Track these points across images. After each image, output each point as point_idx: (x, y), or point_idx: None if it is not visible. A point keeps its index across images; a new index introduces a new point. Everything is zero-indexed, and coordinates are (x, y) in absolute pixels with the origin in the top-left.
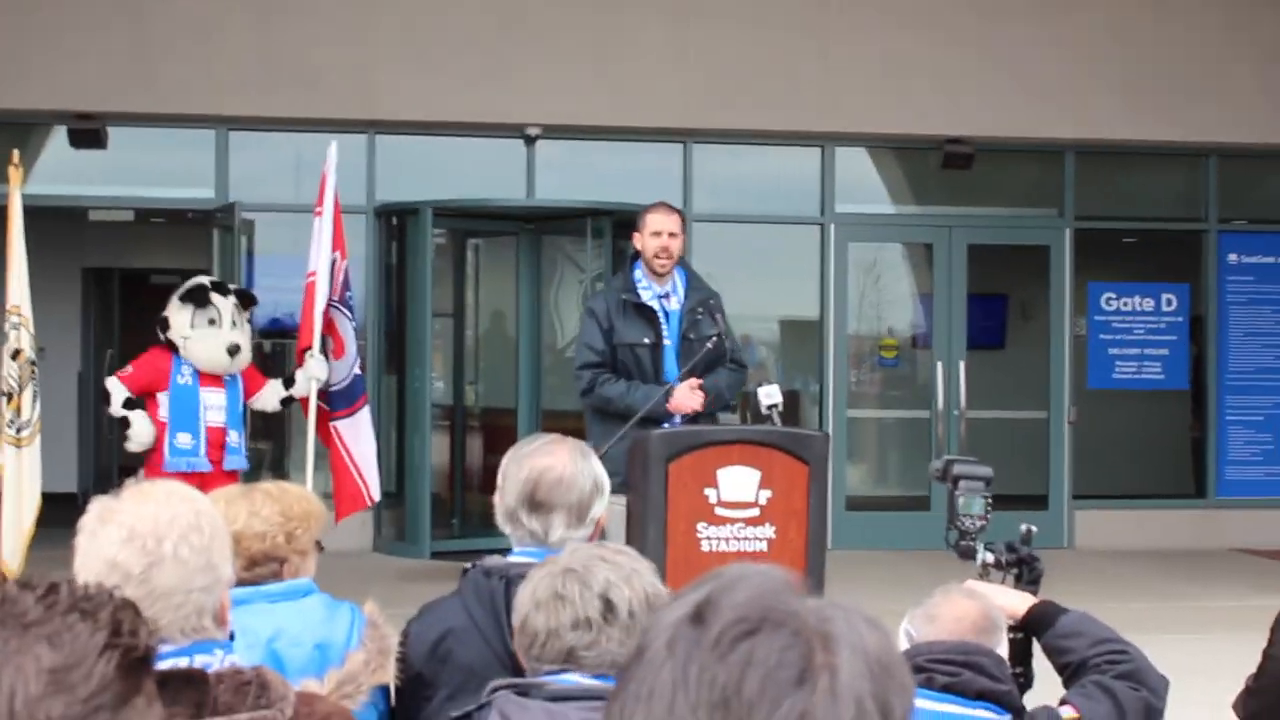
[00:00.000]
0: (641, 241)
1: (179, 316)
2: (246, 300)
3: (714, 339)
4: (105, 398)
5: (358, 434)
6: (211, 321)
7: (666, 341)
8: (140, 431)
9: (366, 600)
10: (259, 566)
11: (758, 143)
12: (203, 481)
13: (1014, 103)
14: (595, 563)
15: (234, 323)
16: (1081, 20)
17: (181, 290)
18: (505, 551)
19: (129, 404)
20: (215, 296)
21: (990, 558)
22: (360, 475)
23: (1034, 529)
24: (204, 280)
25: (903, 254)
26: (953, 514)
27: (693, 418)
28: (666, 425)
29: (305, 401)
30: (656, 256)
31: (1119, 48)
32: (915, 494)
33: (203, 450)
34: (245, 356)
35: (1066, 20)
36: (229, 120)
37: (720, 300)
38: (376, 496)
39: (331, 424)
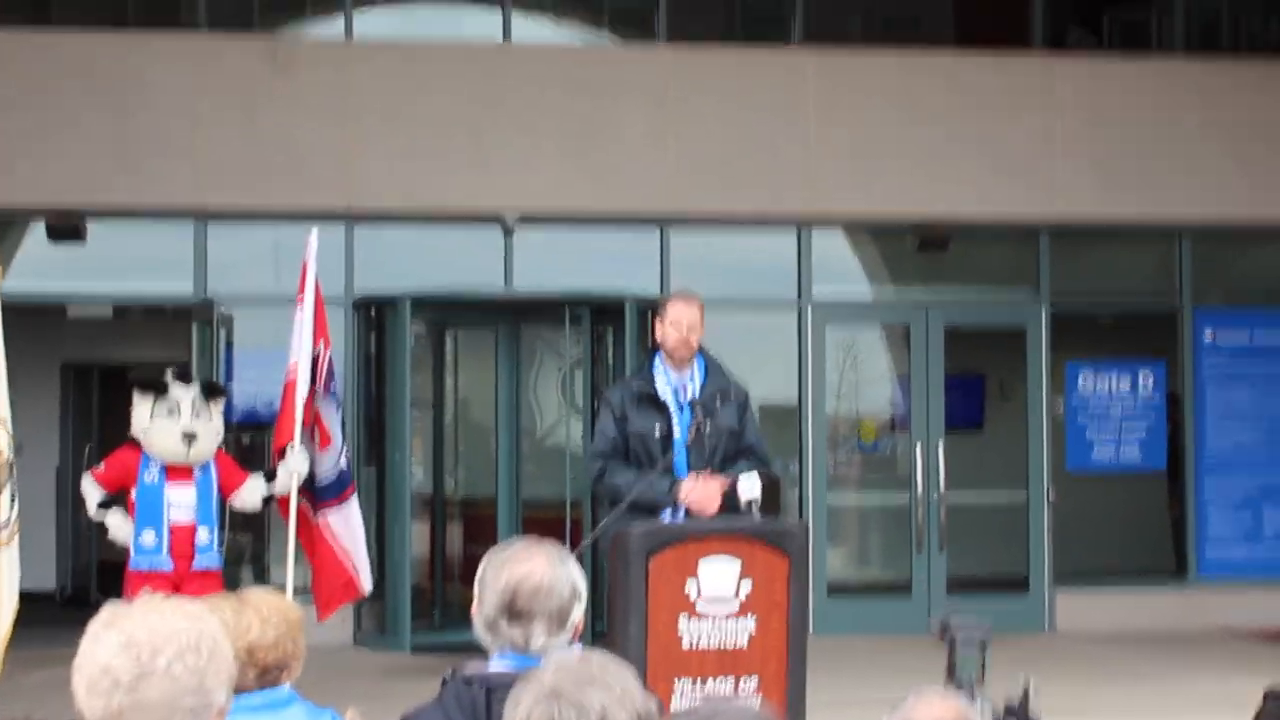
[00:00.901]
0: (662, 331)
1: (140, 409)
2: (214, 391)
3: (695, 426)
4: (81, 500)
5: (348, 523)
6: (170, 412)
7: (677, 433)
8: (119, 532)
9: (349, 707)
10: (268, 674)
11: (736, 226)
12: (178, 582)
13: (988, 183)
14: (587, 686)
15: (195, 413)
16: (1054, 101)
17: (141, 381)
18: (485, 656)
19: (105, 504)
20: (175, 387)
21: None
22: (353, 564)
23: (1033, 683)
24: (167, 371)
25: (880, 336)
26: (950, 670)
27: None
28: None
29: (284, 501)
30: (677, 349)
31: (1092, 128)
32: (896, 578)
33: (165, 549)
34: (204, 446)
35: (1040, 101)
36: (208, 212)
37: (739, 391)
38: (369, 586)
39: (320, 515)
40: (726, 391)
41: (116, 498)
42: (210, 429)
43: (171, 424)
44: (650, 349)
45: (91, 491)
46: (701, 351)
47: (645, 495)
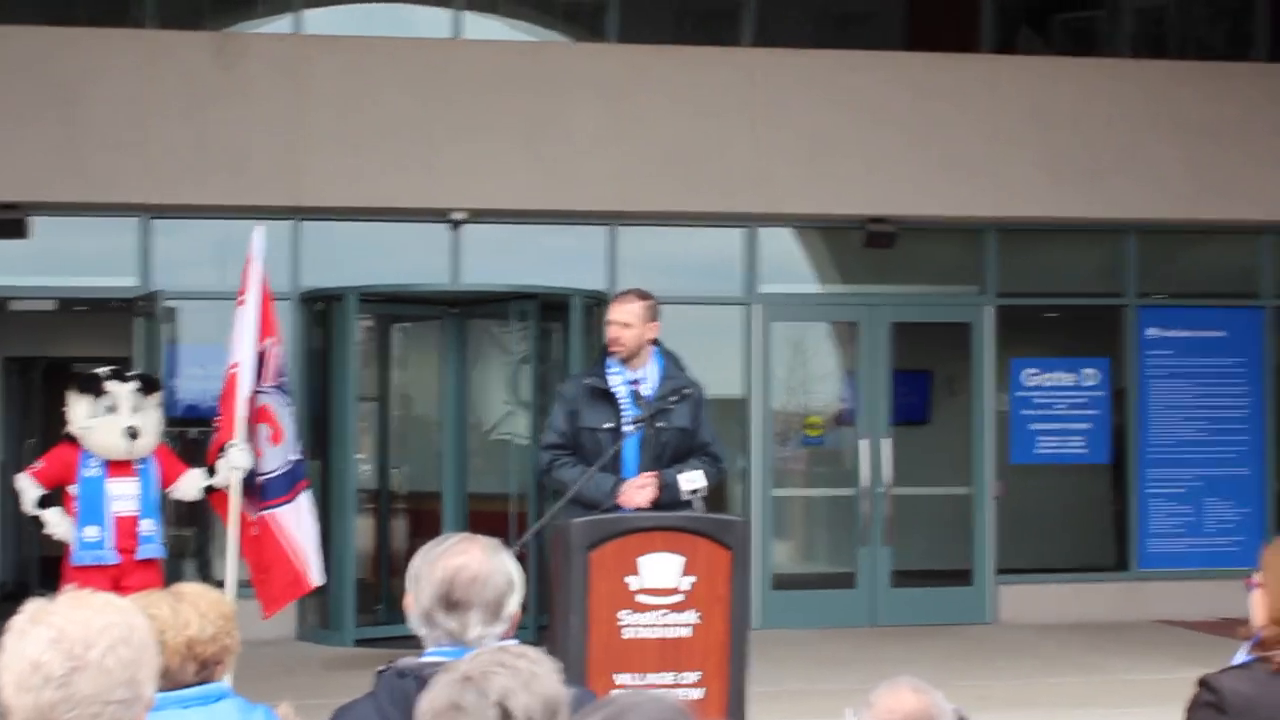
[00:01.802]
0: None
1: (77, 408)
2: (150, 385)
3: (635, 424)
4: (17, 496)
5: (299, 519)
6: (110, 409)
7: (628, 428)
8: (57, 528)
9: (281, 702)
10: (206, 669)
11: (684, 224)
12: (120, 572)
13: (936, 182)
14: (494, 669)
15: (134, 408)
16: (1002, 98)
17: (77, 381)
18: (420, 650)
19: (43, 502)
20: (111, 384)
21: None
22: (302, 561)
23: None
24: (101, 369)
25: (827, 332)
26: None
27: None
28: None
29: (220, 496)
30: (610, 345)
31: (1039, 126)
32: (841, 571)
33: (110, 543)
34: (146, 441)
35: (987, 99)
36: (154, 208)
37: (699, 390)
38: (318, 580)
39: (268, 512)
40: (681, 389)
41: (53, 495)
42: (150, 422)
43: (112, 420)
44: (605, 344)
45: (28, 489)
46: (659, 348)
47: (587, 492)
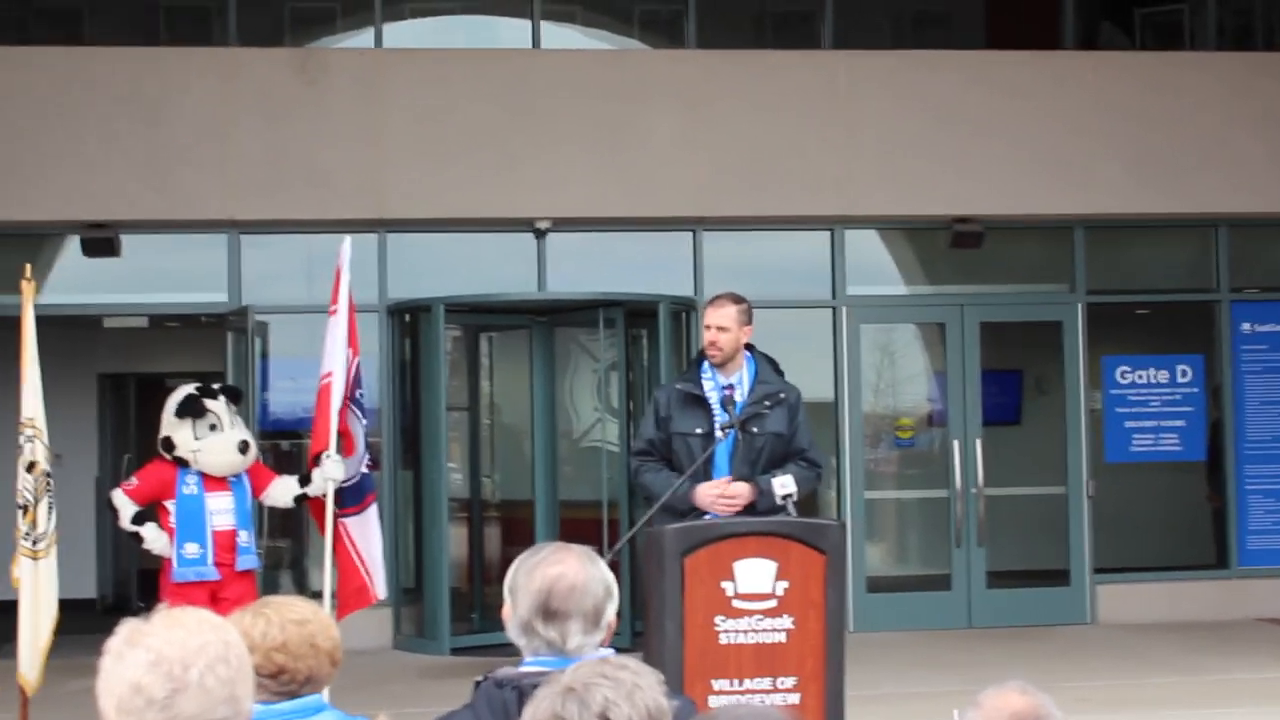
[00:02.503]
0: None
1: (180, 433)
2: (236, 397)
3: (725, 429)
4: (114, 512)
5: (366, 531)
6: (213, 427)
7: (719, 434)
8: (155, 543)
9: (380, 713)
10: (310, 682)
11: (767, 228)
12: (216, 585)
13: (1021, 180)
14: (596, 680)
15: (232, 422)
16: (1085, 96)
17: (173, 406)
18: (519, 659)
19: (138, 518)
20: (208, 402)
21: None
22: (367, 571)
23: None
24: (190, 389)
25: (915, 334)
26: None
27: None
28: (708, 516)
29: (317, 503)
30: (707, 350)
31: (1123, 122)
32: (936, 573)
33: (210, 559)
34: (254, 451)
35: (1070, 96)
36: (240, 224)
37: (795, 395)
38: (382, 593)
39: (340, 521)
40: (775, 394)
41: (148, 510)
42: (250, 434)
43: (221, 438)
44: (701, 350)
45: (125, 506)
46: (752, 353)
47: (673, 500)
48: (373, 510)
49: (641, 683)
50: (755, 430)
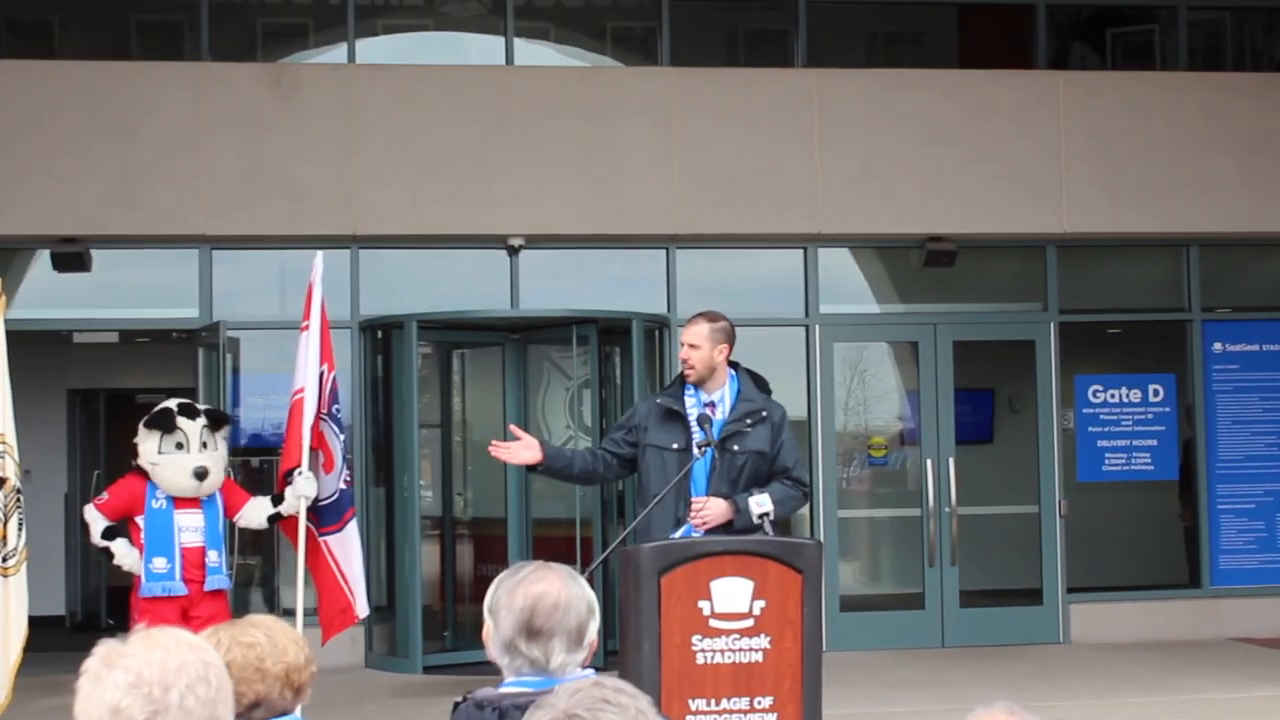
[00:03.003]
0: None
1: (147, 443)
2: (219, 420)
3: (700, 448)
4: (86, 528)
5: (347, 548)
6: (179, 445)
7: (696, 451)
8: (125, 559)
9: None
10: (299, 696)
11: (741, 246)
12: (188, 603)
13: (994, 199)
14: (601, 707)
15: (204, 444)
16: (1057, 115)
17: (147, 416)
18: (497, 679)
19: (109, 533)
20: (182, 420)
21: None
22: (350, 590)
23: None
24: (171, 404)
25: (888, 352)
26: None
27: (724, 529)
28: (684, 533)
29: (290, 521)
30: (683, 368)
31: (1096, 142)
32: (909, 591)
33: (178, 574)
34: (214, 479)
35: (1043, 115)
36: (213, 239)
37: (779, 413)
38: (364, 611)
39: (321, 539)
40: (757, 411)
41: (119, 525)
42: (217, 459)
43: (181, 459)
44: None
45: (95, 520)
46: (736, 370)
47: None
48: (353, 526)
49: (643, 706)
50: (736, 449)
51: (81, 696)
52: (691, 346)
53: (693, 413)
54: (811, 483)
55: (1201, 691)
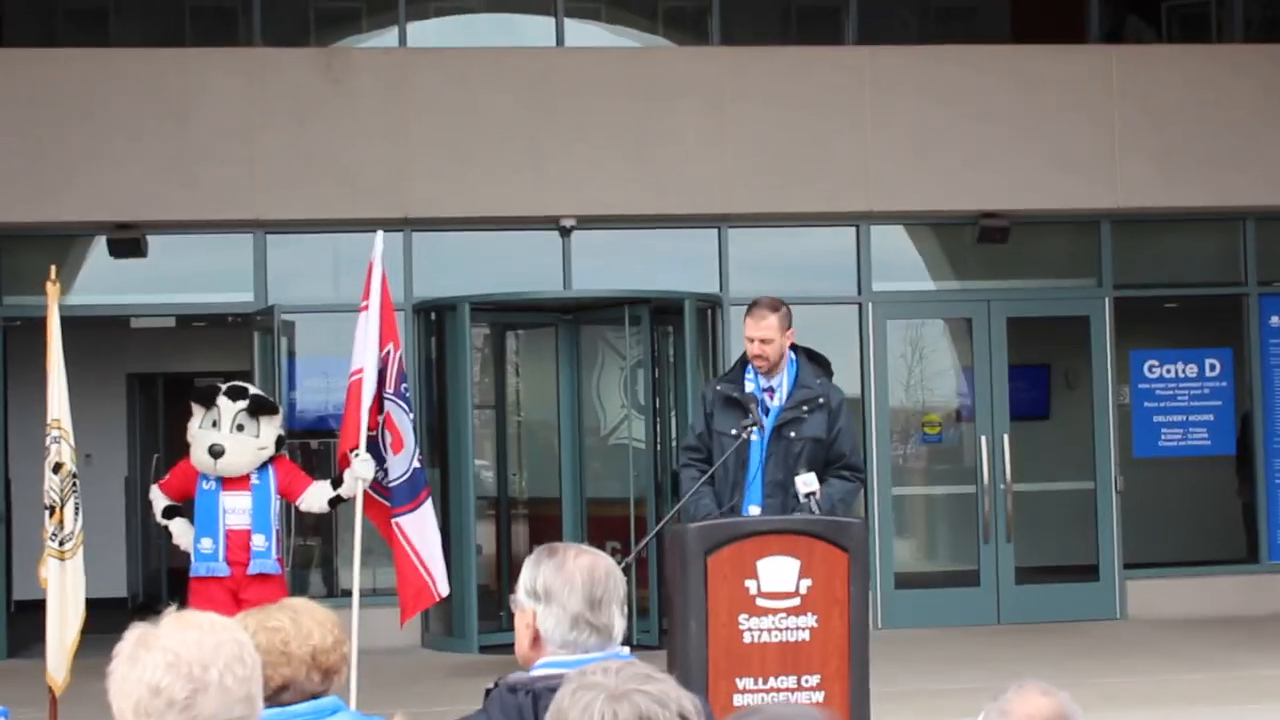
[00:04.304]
0: (745, 340)
1: (193, 420)
2: (262, 407)
3: (745, 429)
4: (147, 510)
5: (423, 528)
6: (214, 424)
7: (753, 436)
8: (181, 538)
9: (397, 712)
10: (328, 679)
11: (793, 224)
12: (237, 585)
13: (1047, 175)
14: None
15: (240, 426)
16: (1111, 90)
17: (195, 394)
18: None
19: (169, 512)
20: (222, 400)
21: None
22: (427, 570)
23: None
24: (220, 384)
25: (942, 329)
26: None
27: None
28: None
29: (373, 504)
30: (755, 361)
31: (1150, 116)
32: (964, 568)
33: (222, 555)
34: (233, 459)
35: (1096, 91)
36: (266, 223)
37: (837, 398)
38: (445, 591)
39: (394, 521)
40: (814, 398)
41: (182, 507)
42: (247, 443)
43: (206, 435)
44: (744, 352)
45: (157, 500)
46: (796, 355)
47: (690, 508)
48: (428, 506)
49: (678, 691)
50: (792, 435)
51: (117, 679)
52: (764, 342)
53: (749, 398)
54: (866, 461)
55: (1257, 668)
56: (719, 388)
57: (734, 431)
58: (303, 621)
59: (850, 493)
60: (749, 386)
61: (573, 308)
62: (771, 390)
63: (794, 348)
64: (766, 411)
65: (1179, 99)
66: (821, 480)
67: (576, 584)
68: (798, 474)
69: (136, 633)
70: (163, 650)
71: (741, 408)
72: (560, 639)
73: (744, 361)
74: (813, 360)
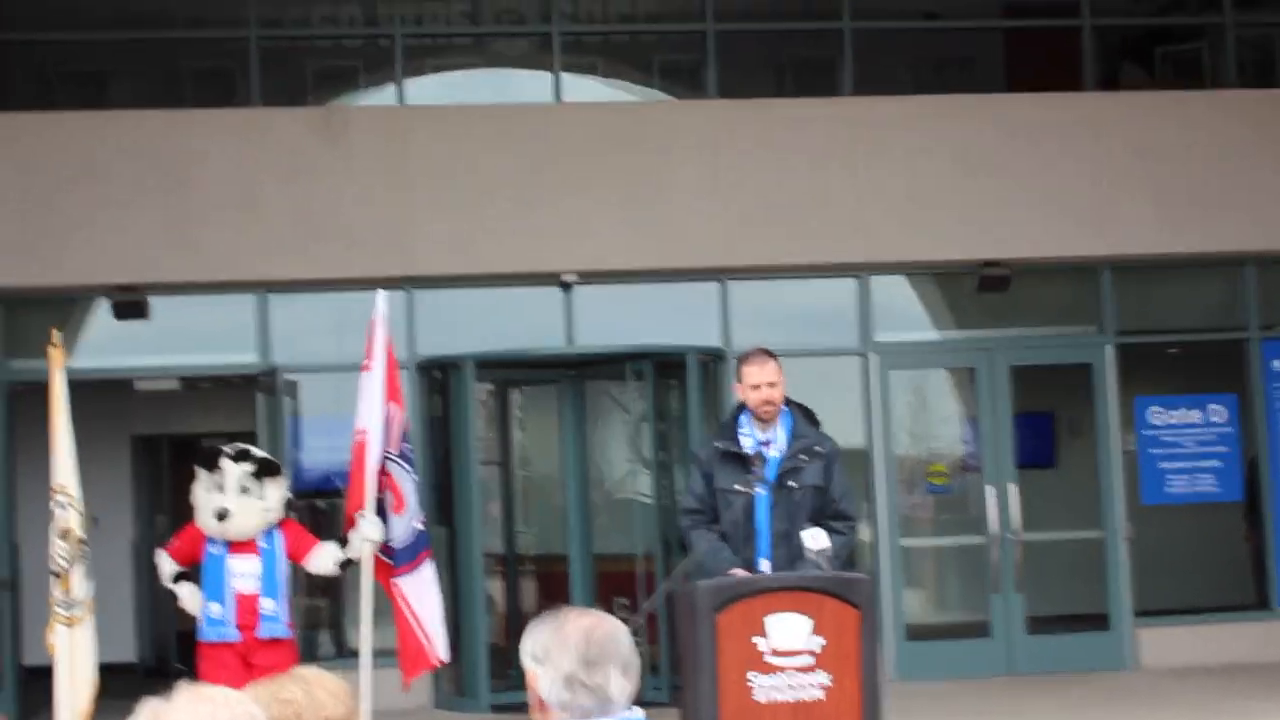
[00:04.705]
0: (743, 393)
1: (197, 484)
2: (267, 470)
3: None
4: (154, 573)
5: (421, 591)
6: (218, 487)
7: (759, 490)
8: (188, 602)
9: None
10: None
11: (793, 276)
12: (247, 650)
13: (1045, 223)
14: None
15: (244, 489)
16: (1108, 136)
17: (200, 457)
18: None
19: (178, 577)
20: (224, 462)
21: None
22: (425, 633)
23: None
24: (226, 447)
25: (946, 379)
26: None
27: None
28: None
29: (382, 564)
30: (760, 409)
31: (1147, 163)
32: (975, 619)
33: (232, 620)
34: (239, 522)
35: (1093, 137)
36: (268, 284)
37: (831, 447)
38: (444, 656)
39: (393, 581)
40: (811, 448)
41: (190, 571)
42: (253, 506)
43: (211, 499)
44: (737, 406)
45: (164, 565)
46: (789, 405)
47: (709, 564)
48: (428, 568)
49: None
50: (794, 485)
51: None
52: (771, 385)
53: (750, 453)
54: (873, 511)
55: (1269, 715)
56: (717, 445)
57: (738, 488)
58: (315, 693)
59: (845, 545)
60: (746, 442)
61: (576, 363)
62: (769, 443)
63: (785, 401)
64: (764, 461)
65: (1176, 144)
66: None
67: (570, 644)
68: (804, 528)
69: (149, 708)
70: None
71: (744, 463)
72: (556, 700)
73: (735, 418)
74: (803, 413)
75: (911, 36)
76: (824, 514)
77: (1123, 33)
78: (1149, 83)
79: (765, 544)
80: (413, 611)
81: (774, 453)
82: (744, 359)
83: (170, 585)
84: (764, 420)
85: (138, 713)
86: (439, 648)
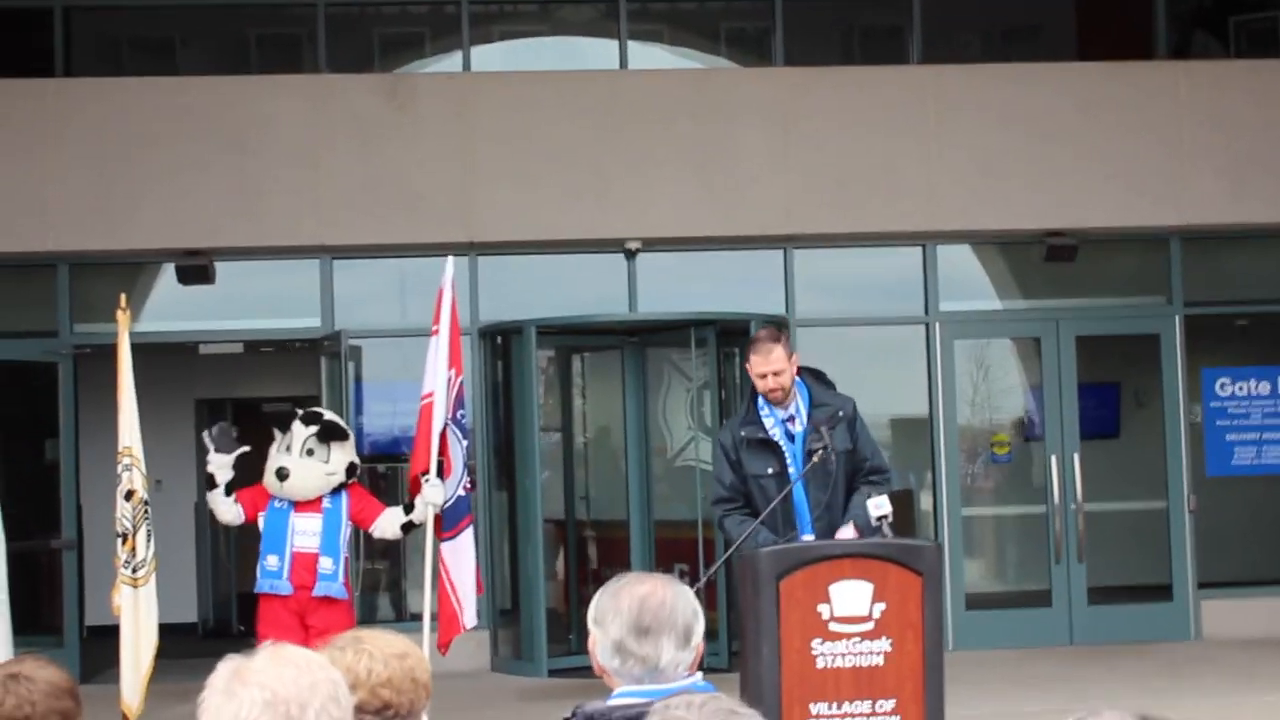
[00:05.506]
0: (753, 378)
1: (274, 443)
2: (331, 433)
3: (819, 451)
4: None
5: (459, 557)
6: (287, 448)
7: (790, 469)
8: (219, 504)
9: None
10: (414, 713)
11: (858, 245)
12: (303, 609)
13: (1114, 193)
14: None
15: (309, 451)
16: (1178, 106)
17: (277, 418)
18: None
19: (228, 489)
20: (295, 424)
21: None
22: (457, 599)
23: None
24: (299, 409)
25: (1010, 349)
26: None
27: None
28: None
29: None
30: (770, 395)
31: (1217, 132)
32: (1036, 589)
33: (286, 574)
34: (298, 483)
35: (1163, 106)
36: (332, 249)
37: (851, 406)
38: (471, 622)
39: (439, 546)
40: (834, 413)
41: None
42: (315, 469)
43: (277, 459)
44: (752, 390)
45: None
46: (801, 375)
47: (749, 547)
48: (467, 535)
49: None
50: (824, 454)
51: (210, 711)
52: (775, 374)
53: (775, 433)
54: (934, 481)
55: None
56: (743, 433)
57: (770, 471)
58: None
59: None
60: (769, 423)
61: (638, 330)
62: (791, 419)
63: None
64: (792, 439)
65: (1247, 114)
66: (853, 490)
67: (623, 610)
68: (866, 494)
69: (231, 665)
70: (259, 686)
71: (771, 447)
72: (608, 664)
73: (753, 400)
74: (815, 378)
75: (981, 4)
76: (858, 474)
77: (1195, 2)
78: (1221, 52)
79: (805, 520)
80: (449, 577)
81: (798, 428)
82: (750, 345)
83: (212, 492)
84: (776, 402)
85: (219, 670)
86: (468, 614)
